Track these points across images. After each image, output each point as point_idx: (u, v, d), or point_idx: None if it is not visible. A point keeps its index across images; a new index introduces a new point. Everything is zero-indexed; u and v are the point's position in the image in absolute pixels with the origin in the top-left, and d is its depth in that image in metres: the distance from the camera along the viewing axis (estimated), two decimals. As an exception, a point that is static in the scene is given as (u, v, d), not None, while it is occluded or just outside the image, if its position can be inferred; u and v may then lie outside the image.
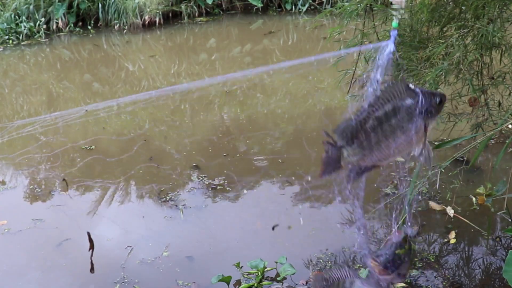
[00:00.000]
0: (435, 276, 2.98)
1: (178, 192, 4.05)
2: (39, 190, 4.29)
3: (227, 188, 4.06)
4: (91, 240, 3.11)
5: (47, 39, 9.53)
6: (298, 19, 10.11)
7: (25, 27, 9.46)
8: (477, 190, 3.58)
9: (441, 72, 2.36)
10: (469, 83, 2.44)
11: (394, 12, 1.53)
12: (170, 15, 10.21)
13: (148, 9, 9.75)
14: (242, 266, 3.11)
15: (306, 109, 5.69)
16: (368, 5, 2.66)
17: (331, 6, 8.69)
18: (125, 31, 9.69)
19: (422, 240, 3.34)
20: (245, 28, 9.83)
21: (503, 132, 4.12)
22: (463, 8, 2.46)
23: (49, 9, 9.74)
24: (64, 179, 2.38)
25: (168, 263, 3.26)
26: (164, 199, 3.98)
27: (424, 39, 2.52)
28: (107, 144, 4.97)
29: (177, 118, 5.65)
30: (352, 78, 2.87)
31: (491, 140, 3.92)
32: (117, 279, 3.13)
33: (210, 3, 10.30)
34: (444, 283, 2.92)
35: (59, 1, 9.75)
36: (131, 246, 3.41)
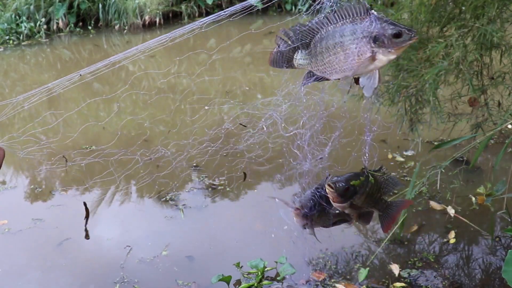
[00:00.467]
0: (434, 276, 2.98)
1: (178, 192, 4.05)
2: (39, 190, 4.29)
3: (227, 188, 4.06)
4: (87, 209, 3.12)
5: (47, 39, 9.53)
6: (298, 19, 10.11)
7: (25, 27, 9.46)
8: (477, 190, 3.58)
9: (441, 72, 2.36)
10: (469, 83, 2.44)
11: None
12: (170, 15, 10.22)
13: (148, 10, 9.75)
14: (242, 266, 3.11)
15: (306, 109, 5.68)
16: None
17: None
18: (125, 31, 9.70)
19: (421, 239, 3.35)
20: (245, 28, 9.82)
21: (503, 132, 4.12)
22: (463, 8, 2.46)
23: (50, 9, 9.75)
24: (63, 156, 2.39)
25: (168, 262, 3.26)
26: (164, 199, 3.98)
27: (424, 39, 2.52)
28: (107, 144, 4.97)
29: (177, 118, 5.65)
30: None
31: (491, 140, 3.92)
32: (117, 279, 3.13)
33: (210, 3, 10.30)
34: (444, 283, 2.92)
35: (59, 1, 9.76)
36: (129, 246, 3.41)
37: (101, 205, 4.02)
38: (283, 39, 1.56)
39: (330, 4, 1.52)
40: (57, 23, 9.76)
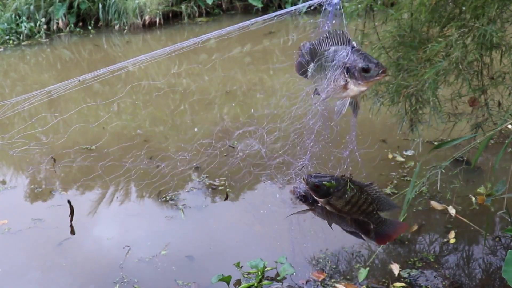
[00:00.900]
0: (434, 276, 2.98)
1: (178, 192, 4.05)
2: (39, 190, 4.29)
3: (227, 189, 4.06)
4: (71, 207, 3.19)
5: (47, 39, 9.53)
6: (298, 19, 10.11)
7: (25, 27, 9.46)
8: (477, 190, 3.59)
9: (441, 72, 2.36)
10: (468, 84, 2.44)
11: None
12: (170, 15, 10.22)
13: (148, 9, 9.75)
14: (242, 266, 3.11)
15: (306, 109, 5.68)
16: (368, 5, 2.67)
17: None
18: (125, 31, 9.70)
19: (421, 239, 3.34)
20: (245, 28, 9.81)
21: (503, 132, 4.12)
22: (463, 8, 2.46)
23: (50, 9, 9.75)
24: (52, 157, 2.42)
25: (168, 262, 3.26)
26: (164, 199, 3.98)
27: (424, 39, 2.52)
28: (107, 144, 4.97)
29: (178, 118, 5.65)
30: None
31: (491, 140, 3.92)
32: (116, 278, 3.13)
33: (210, 3, 10.30)
34: (444, 283, 2.92)
35: (59, 2, 9.76)
36: (128, 246, 3.41)
37: (101, 205, 4.02)
38: (301, 51, 1.75)
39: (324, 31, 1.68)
40: (57, 23, 9.76)
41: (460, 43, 2.31)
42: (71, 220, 3.09)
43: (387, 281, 2.95)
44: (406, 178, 3.96)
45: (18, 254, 3.49)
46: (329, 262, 3.14)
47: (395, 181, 3.93)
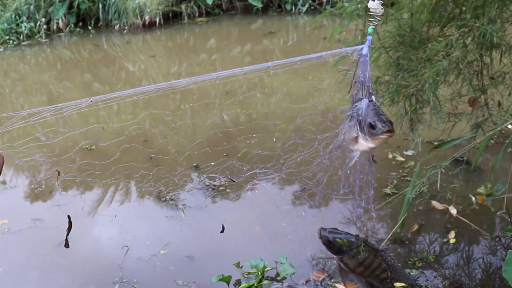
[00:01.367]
0: (435, 276, 2.98)
1: (178, 192, 4.05)
2: (39, 190, 4.29)
3: (227, 189, 4.06)
4: (70, 222, 3.19)
5: (47, 39, 9.53)
6: (298, 19, 10.11)
7: (25, 27, 9.47)
8: (477, 190, 3.58)
9: (441, 72, 2.36)
10: (468, 83, 2.44)
11: (370, 19, 1.64)
12: (170, 15, 10.22)
13: (148, 10, 9.75)
14: (242, 266, 3.11)
15: (306, 109, 5.69)
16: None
17: (331, 7, 8.68)
18: (125, 31, 9.70)
19: (421, 239, 3.34)
20: (245, 28, 9.83)
21: (503, 132, 4.12)
22: (463, 8, 2.46)
23: (50, 9, 9.75)
24: (57, 170, 2.41)
25: (167, 262, 3.26)
26: (164, 199, 3.98)
27: (424, 39, 2.52)
28: (107, 144, 4.97)
29: (178, 118, 5.65)
30: (353, 79, 2.87)
31: (491, 140, 3.92)
32: (116, 278, 3.13)
33: (210, 3, 10.30)
34: (444, 283, 2.92)
35: (59, 1, 9.76)
36: (127, 246, 3.41)
37: (101, 205, 4.02)
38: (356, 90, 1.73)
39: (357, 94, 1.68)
40: (57, 23, 9.76)
41: (460, 43, 2.31)
42: (67, 234, 3.09)
43: (387, 281, 2.95)
44: (406, 178, 3.96)
45: (18, 254, 3.49)
46: (329, 262, 3.14)
47: (395, 181, 3.93)
